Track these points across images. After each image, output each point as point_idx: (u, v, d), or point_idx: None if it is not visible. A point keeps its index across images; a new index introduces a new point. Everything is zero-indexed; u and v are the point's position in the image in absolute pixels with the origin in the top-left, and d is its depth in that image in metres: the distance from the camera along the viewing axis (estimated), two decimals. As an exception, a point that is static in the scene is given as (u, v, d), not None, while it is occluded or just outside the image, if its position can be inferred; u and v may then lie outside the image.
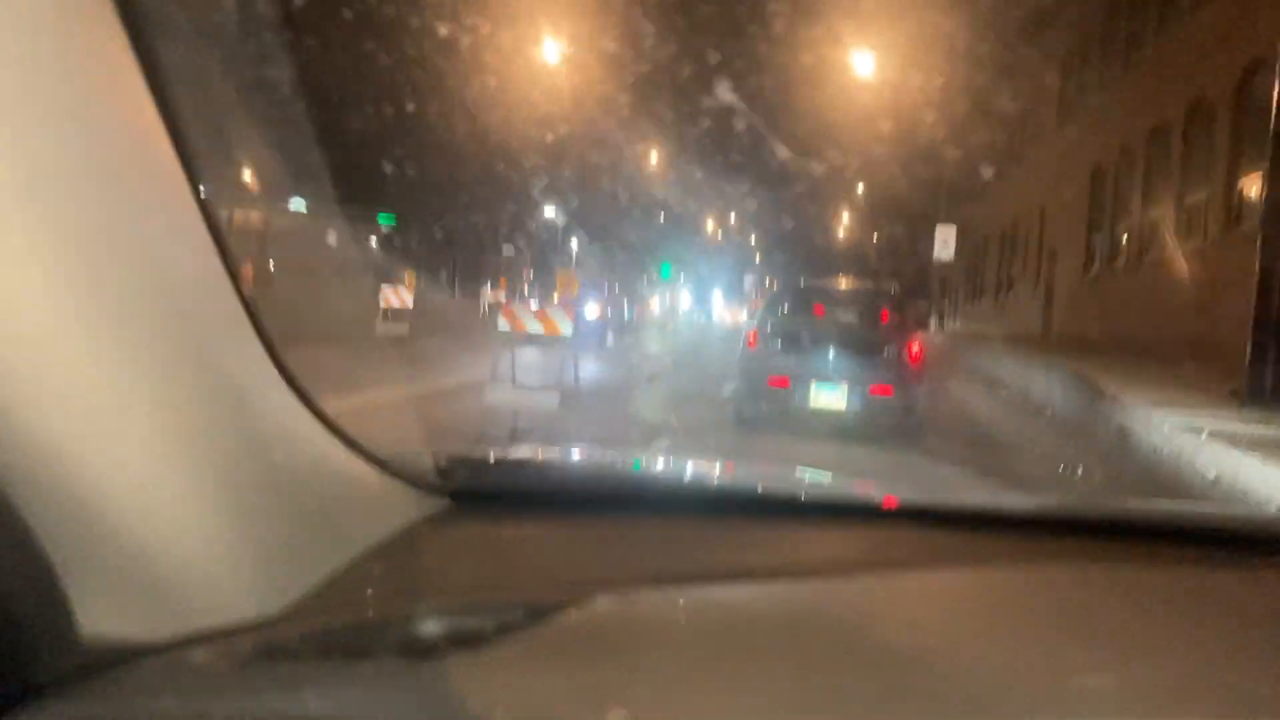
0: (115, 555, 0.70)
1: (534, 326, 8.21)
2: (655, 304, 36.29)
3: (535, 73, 21.68)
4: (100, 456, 0.67)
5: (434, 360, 12.11)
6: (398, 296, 16.00)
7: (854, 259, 39.33)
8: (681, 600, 0.91)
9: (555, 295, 22.22)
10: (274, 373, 0.84)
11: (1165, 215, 14.44)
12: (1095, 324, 17.09)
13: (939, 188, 27.40)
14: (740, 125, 23.44)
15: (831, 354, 8.28)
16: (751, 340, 8.85)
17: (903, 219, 32.56)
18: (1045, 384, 10.91)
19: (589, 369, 10.65)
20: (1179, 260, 13.55)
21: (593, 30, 21.20)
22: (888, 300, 9.35)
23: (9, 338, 0.61)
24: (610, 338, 19.79)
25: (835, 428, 7.70)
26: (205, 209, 0.75)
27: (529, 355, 8.78)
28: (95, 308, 0.65)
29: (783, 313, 9.08)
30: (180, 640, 0.72)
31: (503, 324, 8.20)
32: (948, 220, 27.11)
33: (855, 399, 7.94)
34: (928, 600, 0.96)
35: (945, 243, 26.61)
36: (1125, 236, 16.55)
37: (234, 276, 0.79)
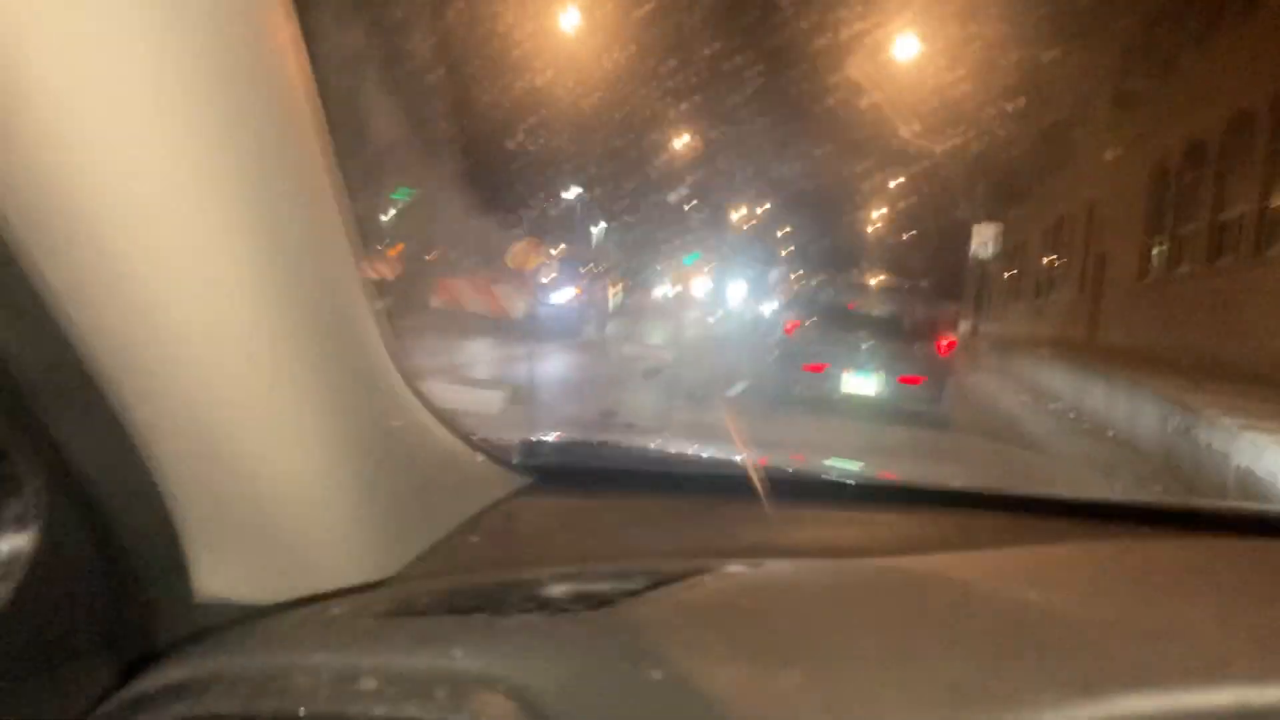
0: (239, 517, 0.74)
1: (476, 305, 6.74)
2: (671, 290, 33.67)
3: (556, 46, 20.19)
4: (237, 422, 0.70)
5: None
6: (375, 270, 14.55)
7: (887, 255, 38.05)
8: (795, 568, 0.91)
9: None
10: (386, 357, 0.86)
11: (1246, 217, 12.85)
12: (1150, 334, 15.55)
13: (978, 185, 25.86)
14: (776, 115, 22.41)
15: (864, 345, 8.70)
16: (790, 329, 9.38)
17: (939, 217, 31.13)
18: (1107, 399, 9.46)
19: (557, 363, 9.35)
20: (1263, 268, 12.01)
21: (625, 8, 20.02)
22: (919, 296, 9.86)
23: (174, 307, 0.65)
24: (593, 325, 17.08)
25: (866, 412, 8.12)
26: (342, 203, 0.76)
27: (469, 343, 7.46)
28: (253, 292, 0.67)
29: (820, 304, 9.65)
30: (299, 600, 0.76)
31: (436, 300, 6.62)
32: (988, 220, 25.56)
33: (886, 387, 8.41)
34: (1017, 577, 0.93)
35: (985, 243, 25.03)
36: (1193, 241, 14.97)
37: (365, 279, 0.81)
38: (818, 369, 8.61)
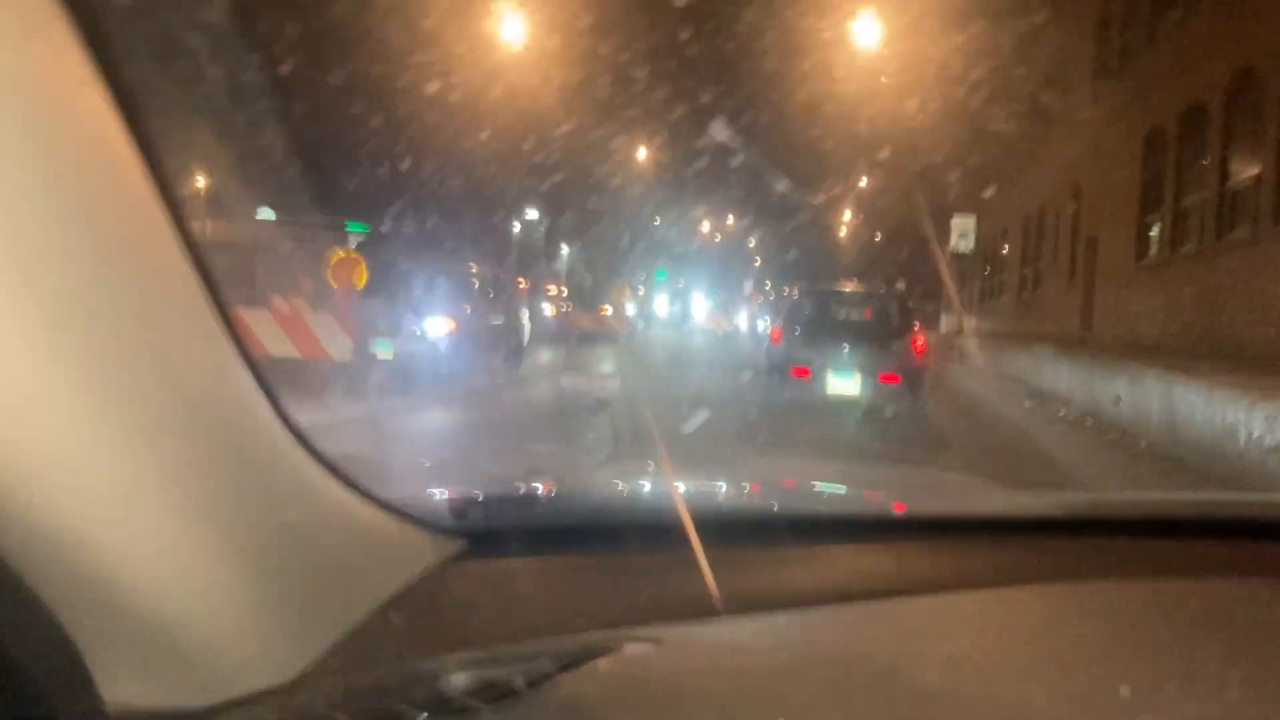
0: (136, 627, 0.71)
1: (279, 346, 4.88)
2: (617, 310, 29.58)
3: (494, 56, 18.94)
4: (111, 530, 0.68)
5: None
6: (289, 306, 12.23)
7: (861, 258, 37.13)
8: (710, 635, 0.91)
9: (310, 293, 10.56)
10: (282, 430, 0.83)
11: (1264, 181, 11.24)
12: (1156, 322, 13.94)
13: (951, 176, 24.36)
14: (735, 118, 20.81)
15: (845, 348, 9.51)
16: (776, 336, 10.41)
17: (912, 212, 29.38)
18: (1131, 399, 7.76)
19: (406, 413, 7.05)
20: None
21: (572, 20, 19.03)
22: (893, 299, 10.82)
23: (16, 423, 0.62)
24: (505, 358, 13.31)
25: (849, 410, 8.82)
26: (198, 257, 0.73)
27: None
28: (102, 388, 0.65)
29: (801, 313, 10.45)
30: (206, 710, 0.74)
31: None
32: (965, 211, 23.97)
33: (867, 386, 9.15)
34: (963, 620, 0.95)
35: (964, 234, 23.49)
36: (1198, 213, 13.38)
37: (235, 337, 0.77)
38: (804, 373, 9.32)
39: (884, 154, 25.08)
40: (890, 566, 1.12)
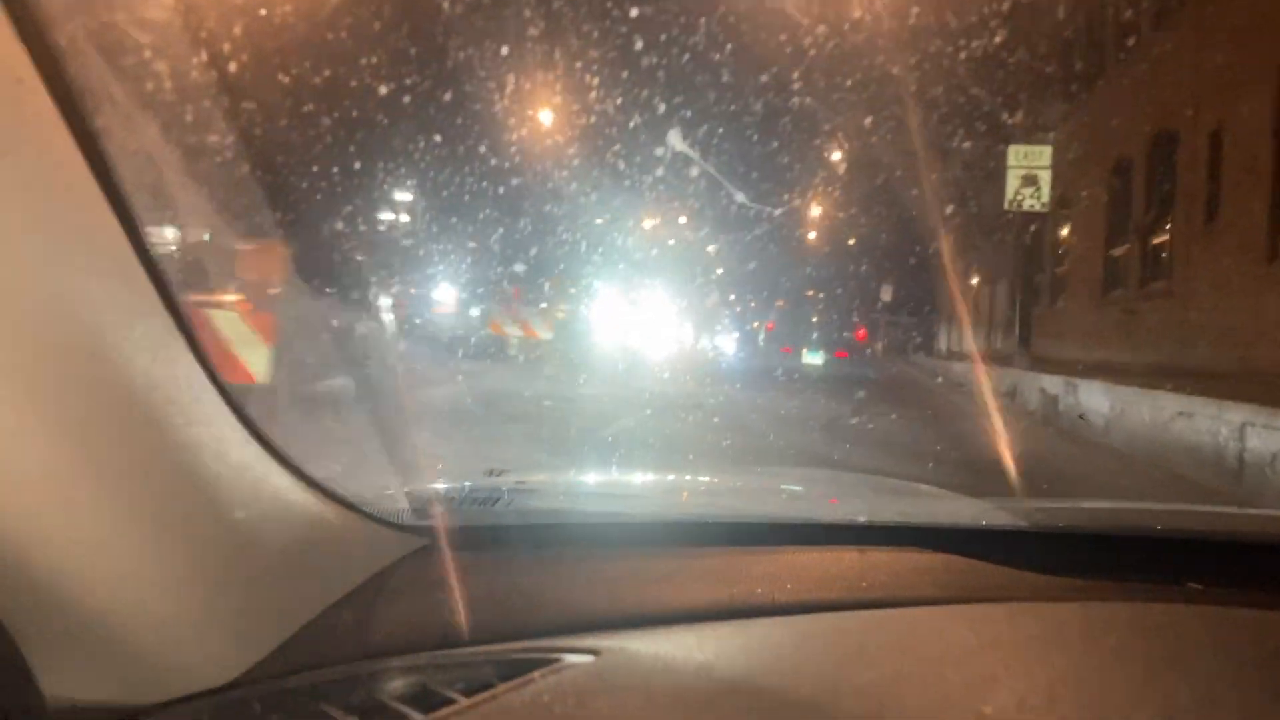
0: (79, 625, 0.70)
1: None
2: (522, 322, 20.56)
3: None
4: (47, 521, 0.67)
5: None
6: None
7: (836, 265, 37.31)
8: (652, 647, 0.89)
9: None
10: (235, 423, 0.82)
11: None
12: None
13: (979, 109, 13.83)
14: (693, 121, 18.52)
15: (814, 335, 28.88)
16: (770, 327, 30.73)
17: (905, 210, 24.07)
18: None
19: None
20: None
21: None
22: (848, 303, 29.20)
23: None
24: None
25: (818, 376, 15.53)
26: (151, 263, 0.72)
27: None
28: (44, 386, 0.64)
29: (784, 314, 31.16)
30: (149, 707, 0.74)
31: None
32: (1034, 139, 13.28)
33: (826, 359, 23.59)
34: (913, 631, 0.94)
35: (1031, 179, 12.88)
36: None
37: (187, 331, 0.76)
38: (788, 350, 23.72)
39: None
40: (844, 574, 1.10)
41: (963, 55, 14.25)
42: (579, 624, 0.93)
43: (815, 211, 33.10)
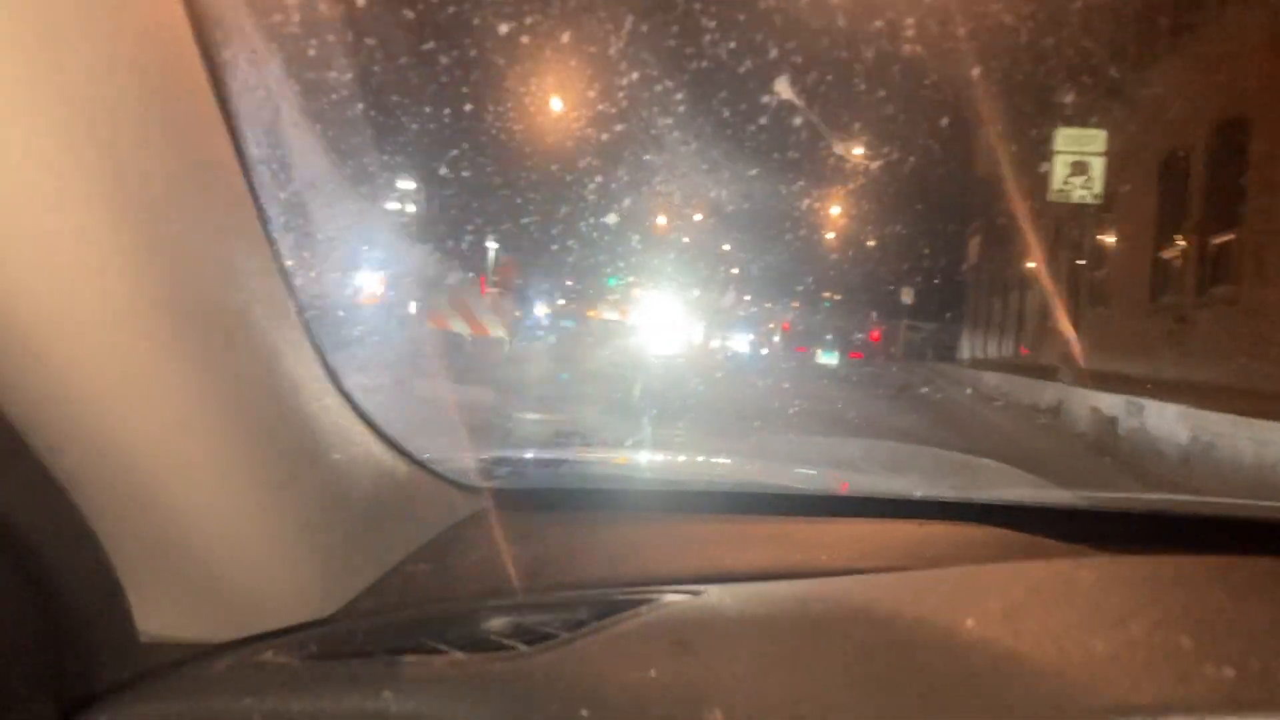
0: (177, 559, 0.72)
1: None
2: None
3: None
4: (164, 462, 0.69)
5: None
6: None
7: (858, 263, 34.36)
8: (743, 593, 0.91)
9: None
10: (327, 380, 0.84)
11: None
12: None
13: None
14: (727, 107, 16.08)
15: (828, 336, 24.00)
16: (786, 327, 25.98)
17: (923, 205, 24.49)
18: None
19: None
20: None
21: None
22: (866, 306, 25.76)
23: (83, 346, 0.63)
24: None
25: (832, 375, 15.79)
26: (263, 217, 0.74)
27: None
28: (163, 318, 0.66)
29: (800, 315, 25.39)
30: (241, 641, 0.75)
31: None
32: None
33: (841, 359, 22.15)
34: (984, 592, 0.94)
35: (1081, 166, 11.47)
36: None
37: (290, 286, 0.79)
38: (803, 350, 21.66)
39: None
40: (906, 542, 1.12)
41: (1003, 41, 12.84)
42: (659, 578, 0.94)
43: (835, 210, 31.82)
